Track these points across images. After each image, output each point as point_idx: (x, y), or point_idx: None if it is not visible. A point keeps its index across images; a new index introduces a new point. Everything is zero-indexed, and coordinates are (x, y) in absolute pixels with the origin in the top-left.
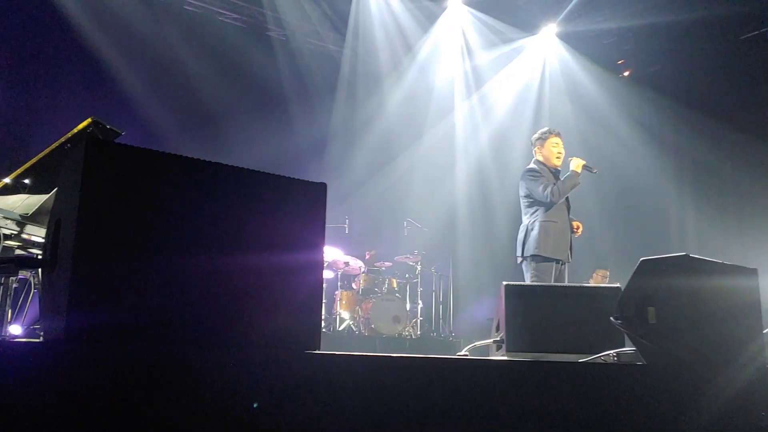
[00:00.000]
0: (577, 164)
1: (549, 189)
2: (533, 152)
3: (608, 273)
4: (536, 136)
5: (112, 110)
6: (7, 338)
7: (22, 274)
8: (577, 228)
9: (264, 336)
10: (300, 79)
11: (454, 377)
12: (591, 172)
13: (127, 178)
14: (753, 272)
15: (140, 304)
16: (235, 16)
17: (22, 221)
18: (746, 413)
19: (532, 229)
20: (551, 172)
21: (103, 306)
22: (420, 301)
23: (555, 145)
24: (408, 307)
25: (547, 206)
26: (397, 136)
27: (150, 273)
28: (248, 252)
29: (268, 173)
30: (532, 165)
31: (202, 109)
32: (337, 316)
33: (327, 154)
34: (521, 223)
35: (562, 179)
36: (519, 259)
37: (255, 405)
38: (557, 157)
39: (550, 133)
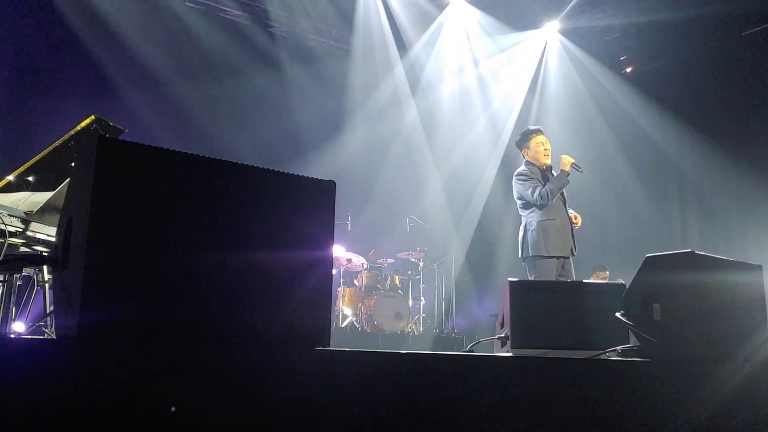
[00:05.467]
0: (565, 163)
1: (538, 192)
2: (521, 155)
3: (608, 274)
4: (518, 139)
5: (112, 107)
6: (12, 335)
7: (26, 271)
8: (575, 218)
9: (274, 332)
10: (301, 75)
11: (461, 373)
12: (578, 171)
13: (138, 176)
14: (758, 268)
15: (152, 301)
16: (237, 12)
17: (27, 218)
18: (750, 408)
19: (530, 230)
20: (541, 170)
21: (116, 303)
22: (422, 298)
23: (539, 143)
24: (410, 303)
25: (541, 206)
26: (399, 132)
27: (161, 270)
28: (259, 249)
29: (279, 171)
30: (521, 168)
31: (204, 106)
32: (340, 313)
33: (329, 149)
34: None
35: (551, 179)
36: (521, 259)
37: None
38: (545, 156)
39: (531, 132)
